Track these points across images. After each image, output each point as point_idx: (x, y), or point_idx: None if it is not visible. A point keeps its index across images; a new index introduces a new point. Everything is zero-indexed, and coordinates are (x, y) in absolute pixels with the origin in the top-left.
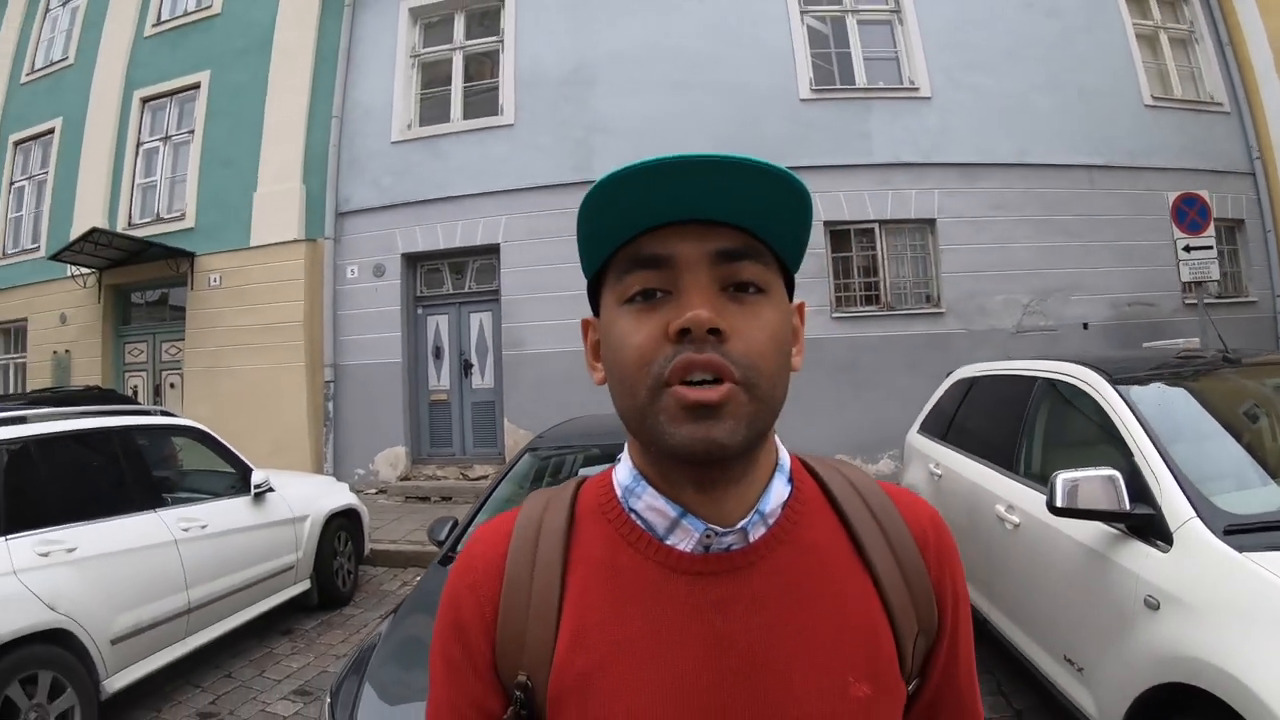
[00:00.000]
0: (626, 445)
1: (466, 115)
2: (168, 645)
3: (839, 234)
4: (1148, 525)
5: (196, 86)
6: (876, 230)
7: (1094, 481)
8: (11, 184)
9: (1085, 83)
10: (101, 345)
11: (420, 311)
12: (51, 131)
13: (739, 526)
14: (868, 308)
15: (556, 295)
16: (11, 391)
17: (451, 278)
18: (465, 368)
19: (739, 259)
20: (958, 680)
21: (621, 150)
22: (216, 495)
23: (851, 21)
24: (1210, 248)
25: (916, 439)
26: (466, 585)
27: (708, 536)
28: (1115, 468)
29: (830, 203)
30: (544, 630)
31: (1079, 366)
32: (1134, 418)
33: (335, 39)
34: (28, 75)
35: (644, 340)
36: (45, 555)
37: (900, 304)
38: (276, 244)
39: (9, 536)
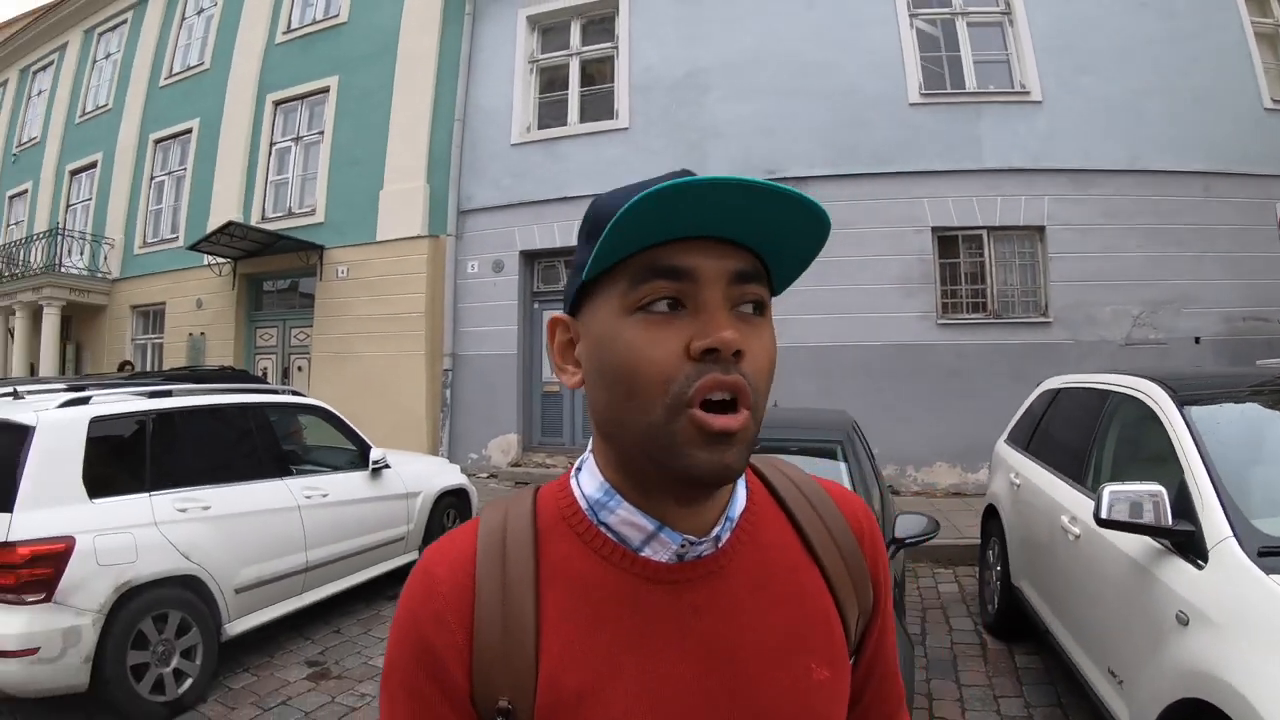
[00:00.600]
0: (590, 455)
1: (583, 119)
2: (285, 599)
3: (946, 240)
4: (1188, 542)
5: (326, 90)
6: (984, 237)
7: (1139, 495)
8: (152, 179)
9: (1200, 85)
10: (234, 329)
11: (536, 306)
12: (189, 131)
13: (714, 534)
14: (974, 315)
15: None
16: (149, 369)
17: (567, 274)
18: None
19: (750, 280)
20: (886, 651)
21: (733, 153)
22: (337, 468)
23: (961, 24)
24: None
25: (1002, 448)
26: (430, 611)
27: (682, 547)
28: (1168, 484)
29: (938, 208)
30: (523, 651)
31: (1147, 382)
32: (1189, 435)
33: (457, 45)
34: (166, 79)
35: (663, 356)
36: (183, 511)
37: (1007, 312)
38: (401, 239)
39: (153, 493)
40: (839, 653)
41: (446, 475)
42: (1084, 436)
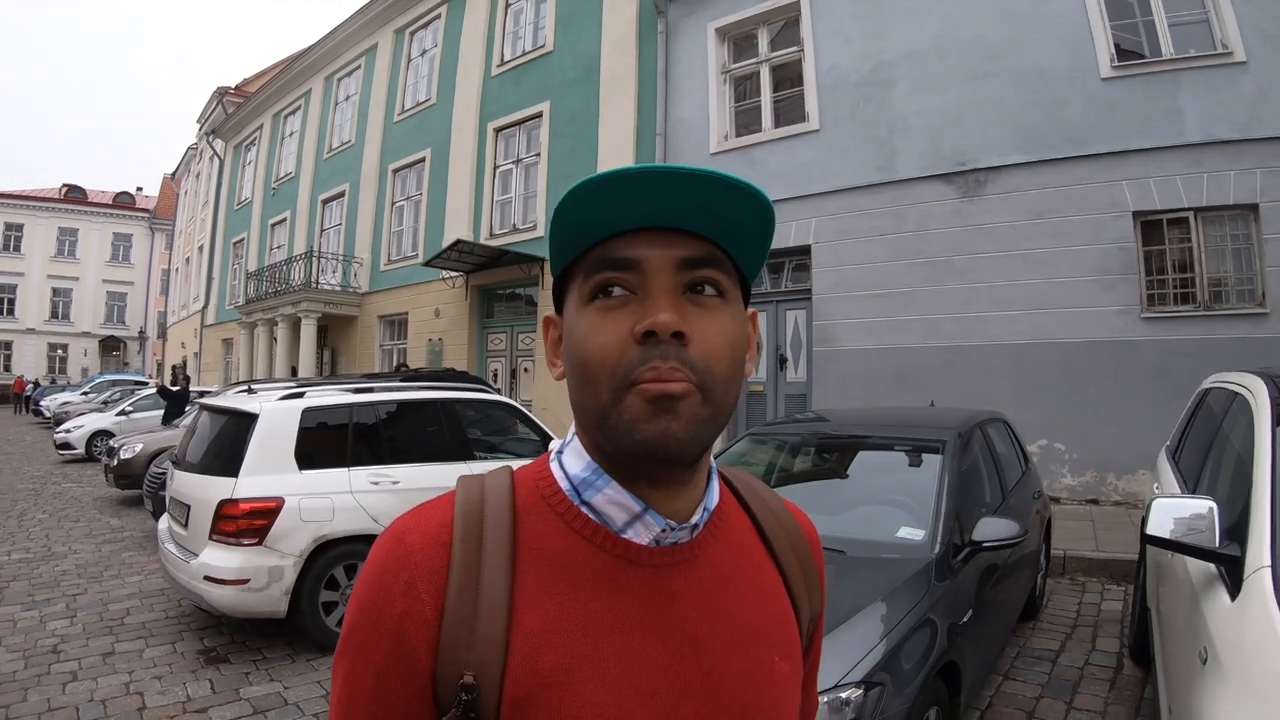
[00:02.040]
0: (574, 438)
1: (776, 124)
2: None
3: (1149, 225)
4: (1232, 569)
5: (539, 115)
6: (1191, 219)
7: (1189, 512)
8: (393, 204)
9: None
10: (467, 335)
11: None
12: (422, 160)
13: (692, 522)
14: (1182, 307)
15: (865, 294)
16: (387, 370)
17: (769, 277)
18: (780, 362)
19: (702, 266)
20: (815, 658)
21: (923, 146)
22: (521, 456)
23: None
24: None
25: (1161, 456)
26: (402, 580)
27: (664, 531)
28: (1238, 501)
29: (1139, 190)
30: (495, 626)
31: (1255, 379)
32: (1269, 444)
33: (653, 63)
34: (399, 115)
35: (608, 340)
36: (375, 484)
37: (1219, 302)
38: None
39: (351, 468)
40: (795, 649)
41: None
42: (1206, 442)
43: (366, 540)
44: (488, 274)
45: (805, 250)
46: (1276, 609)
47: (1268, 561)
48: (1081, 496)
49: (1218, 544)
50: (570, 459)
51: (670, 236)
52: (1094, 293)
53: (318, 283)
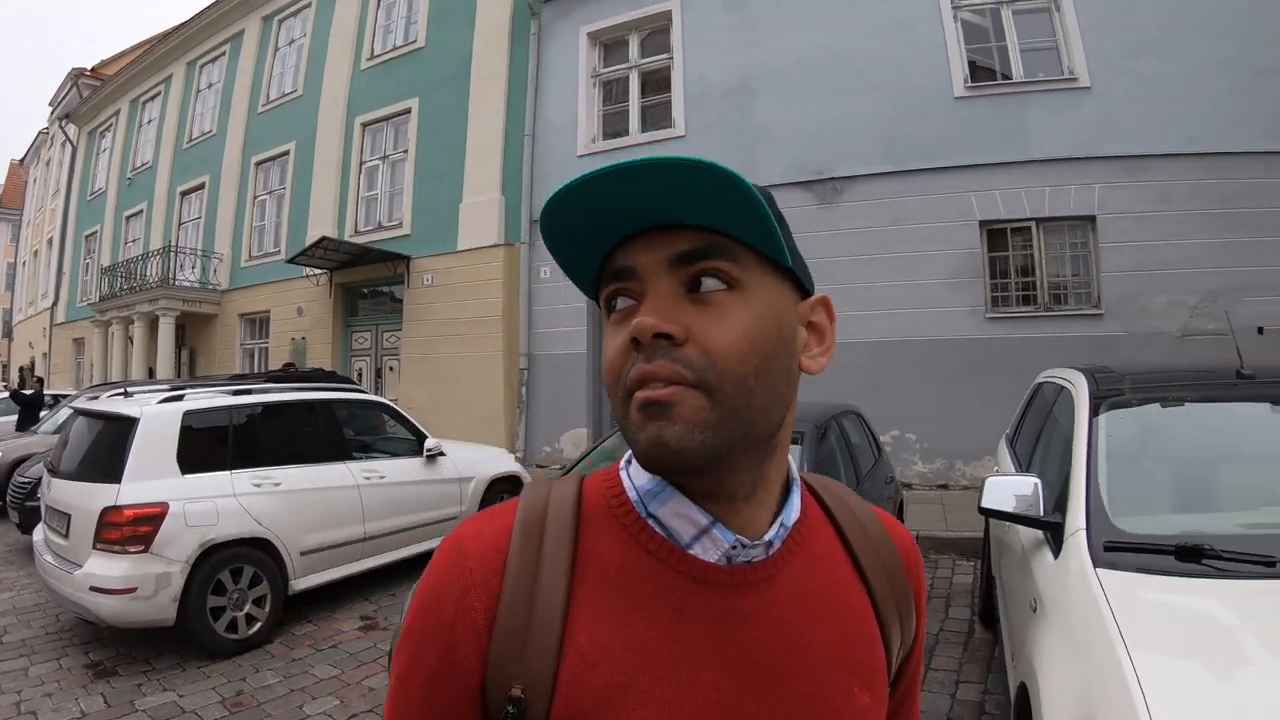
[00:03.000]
0: None
1: (643, 129)
2: (345, 563)
3: (995, 233)
4: (1056, 534)
5: (408, 111)
6: (1033, 229)
7: (1016, 487)
8: (255, 198)
9: (1265, 60)
10: (331, 334)
11: None
12: (286, 153)
13: (766, 539)
14: (1024, 308)
15: None
16: (255, 371)
17: None
18: None
19: (703, 258)
20: (916, 689)
21: (783, 156)
22: (397, 455)
23: (1007, 12)
24: None
25: (1001, 444)
26: (457, 586)
27: (734, 548)
28: (1062, 478)
29: (985, 201)
30: (547, 639)
31: (1077, 374)
32: (1084, 430)
33: (524, 64)
34: (264, 106)
35: (613, 353)
36: (258, 486)
37: (1058, 304)
38: (479, 248)
39: (233, 471)
40: (880, 679)
41: (500, 463)
42: (1038, 430)
43: (251, 544)
44: (352, 271)
45: None
46: (1089, 562)
47: (1082, 525)
48: (932, 482)
49: (1043, 513)
50: (637, 469)
51: (665, 235)
52: (944, 294)
53: (175, 279)
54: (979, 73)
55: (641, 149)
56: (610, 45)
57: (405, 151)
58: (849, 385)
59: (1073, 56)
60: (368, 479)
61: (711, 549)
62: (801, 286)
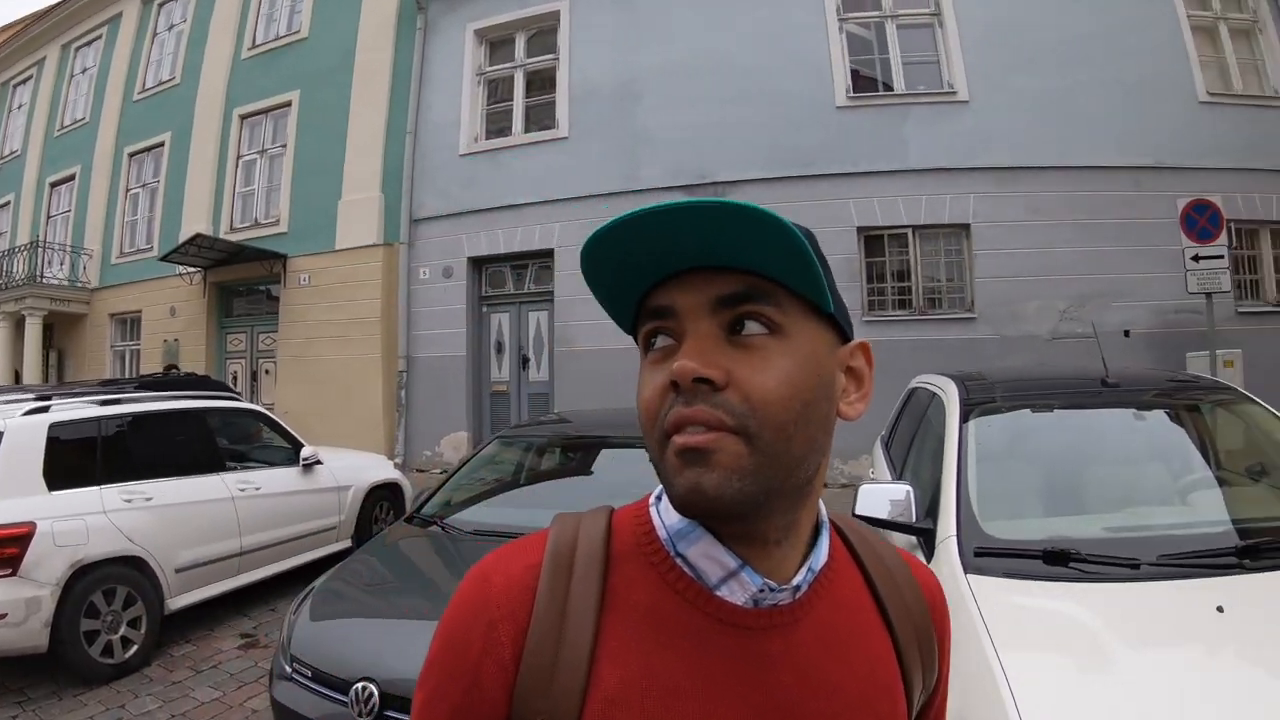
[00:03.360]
0: None
1: (527, 129)
2: (222, 579)
3: (872, 239)
4: (928, 539)
5: (289, 104)
6: (909, 235)
7: (890, 493)
8: (128, 191)
9: (1134, 80)
10: (206, 335)
11: (484, 310)
12: (162, 145)
13: (794, 583)
14: (899, 311)
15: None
16: (126, 375)
17: (512, 279)
18: (523, 362)
19: (746, 301)
20: None
21: (665, 160)
22: (272, 465)
23: (891, 26)
24: (1221, 257)
25: (876, 446)
26: (482, 624)
27: (761, 591)
28: (934, 484)
29: (863, 209)
30: (573, 678)
31: (949, 381)
32: (955, 438)
33: (409, 60)
34: (139, 94)
35: (651, 393)
36: (128, 501)
37: (933, 308)
38: (358, 247)
39: (103, 486)
40: None
41: (378, 470)
42: (911, 434)
43: (124, 562)
44: (227, 270)
45: (549, 253)
46: (959, 567)
47: (953, 531)
48: None
49: (915, 520)
50: (667, 507)
51: (707, 276)
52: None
53: (43, 277)
54: (861, 83)
55: (525, 149)
56: (496, 43)
57: (284, 146)
58: None
59: (953, 71)
60: (242, 490)
61: (739, 591)
62: (841, 331)
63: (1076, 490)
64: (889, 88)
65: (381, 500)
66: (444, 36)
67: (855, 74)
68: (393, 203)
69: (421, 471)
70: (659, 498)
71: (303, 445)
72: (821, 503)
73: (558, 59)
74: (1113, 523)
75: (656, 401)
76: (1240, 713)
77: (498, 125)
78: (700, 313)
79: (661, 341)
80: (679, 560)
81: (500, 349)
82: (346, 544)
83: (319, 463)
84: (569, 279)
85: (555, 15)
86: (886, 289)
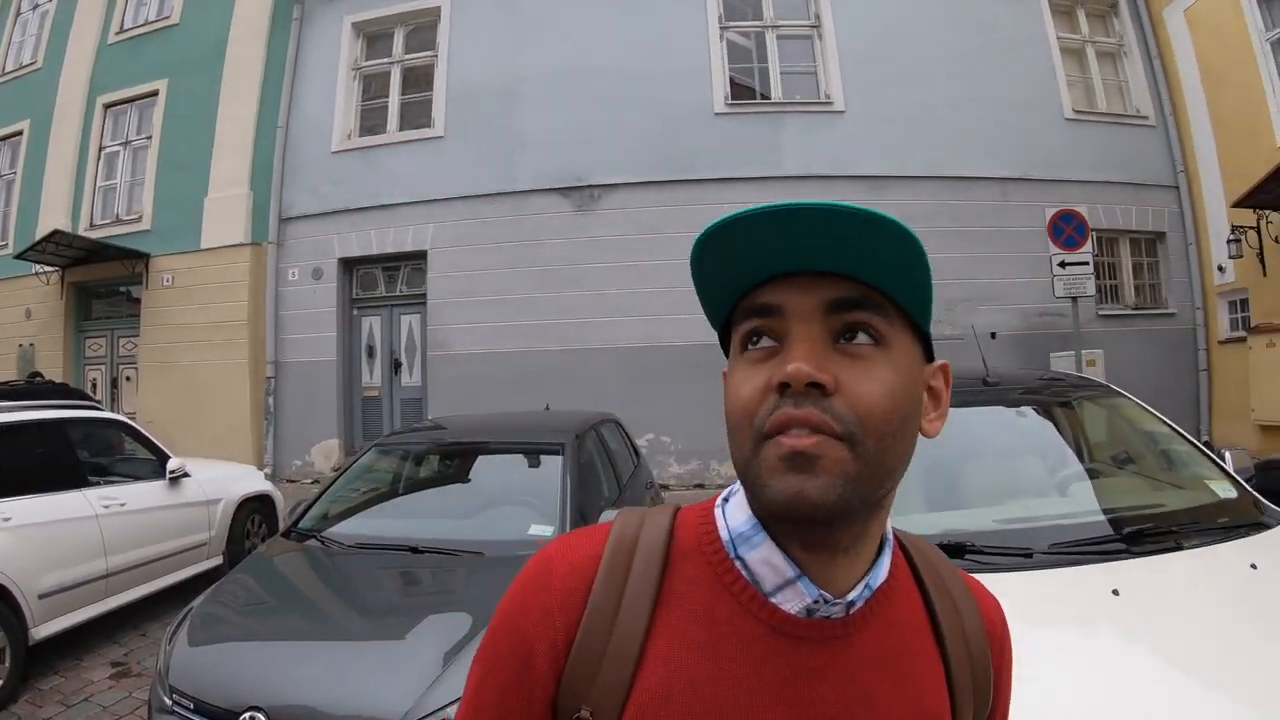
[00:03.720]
0: (738, 485)
1: (402, 127)
2: (89, 603)
3: None
4: None
5: (155, 94)
6: None
7: None
8: None
9: (1004, 96)
10: (63, 339)
11: (355, 313)
12: (20, 133)
13: (849, 598)
14: None
15: (481, 300)
16: None
17: (384, 281)
18: (395, 366)
19: (855, 309)
20: None
21: (544, 161)
22: (138, 479)
23: (771, 36)
24: (1086, 264)
25: None
26: (540, 607)
27: (816, 603)
28: None
29: None
30: (621, 670)
31: None
32: None
33: (284, 51)
34: None
35: (750, 392)
36: None
37: None
38: (224, 247)
39: None
40: None
41: (249, 481)
42: None
43: None
44: (87, 270)
45: (422, 255)
46: None
47: None
48: (688, 482)
49: None
50: (734, 509)
51: (818, 280)
52: (695, 302)
53: None
54: (740, 91)
55: (399, 147)
56: (374, 38)
57: (149, 138)
58: (604, 392)
59: (830, 82)
60: (107, 507)
61: (794, 600)
62: (929, 350)
63: (962, 486)
64: (767, 96)
65: (253, 514)
66: (320, 28)
67: (734, 82)
68: (261, 200)
69: (292, 482)
70: (726, 499)
71: (169, 457)
72: (890, 521)
73: (436, 56)
74: (1000, 515)
75: (756, 401)
76: (1147, 683)
77: (372, 122)
78: (811, 316)
79: (764, 342)
80: (738, 563)
81: (372, 353)
82: (217, 561)
83: (186, 475)
84: (442, 281)
85: (436, 11)
86: None
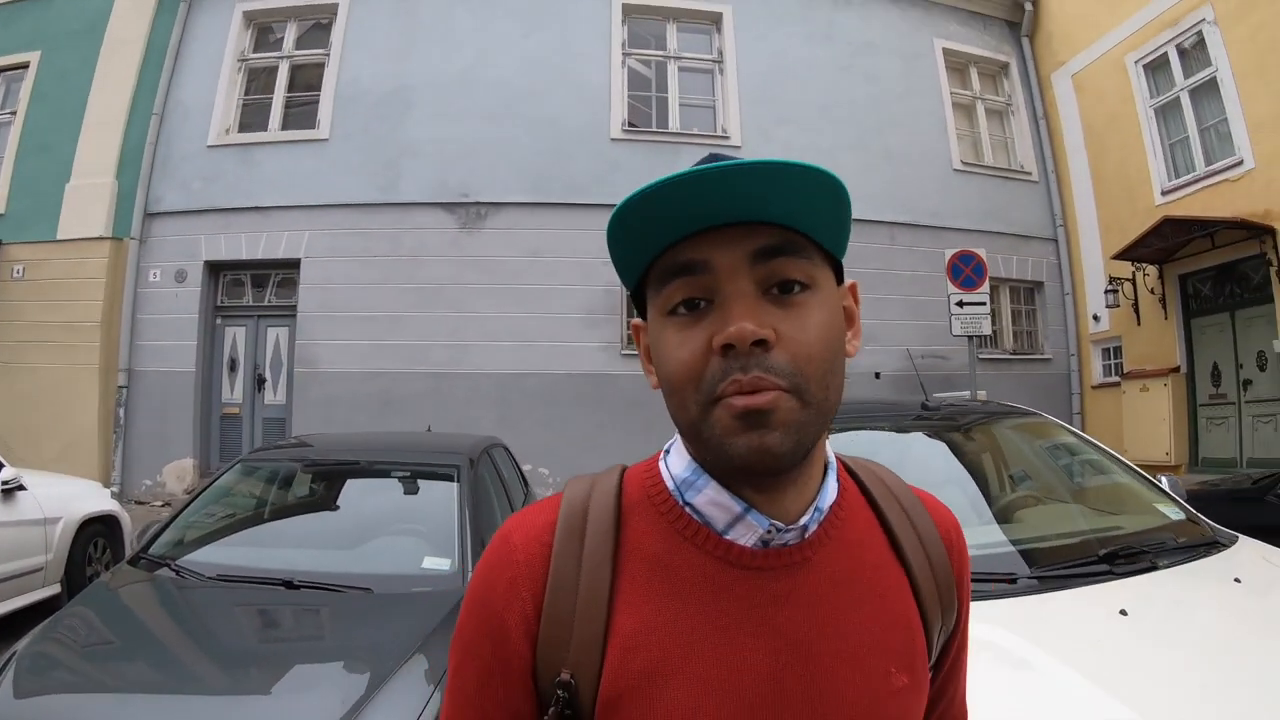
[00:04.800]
0: (677, 437)
1: (284, 126)
2: None
3: None
4: None
5: (25, 66)
6: None
7: None
8: None
9: (896, 144)
10: None
11: (219, 321)
12: None
13: (800, 524)
14: None
15: (353, 315)
16: None
17: (252, 289)
18: (259, 382)
19: (779, 255)
20: (960, 671)
21: (430, 174)
22: None
23: (673, 67)
24: (984, 304)
25: None
26: (505, 580)
27: (769, 533)
28: None
29: None
30: (592, 628)
31: None
32: None
33: (167, 33)
34: None
35: (689, 355)
36: None
37: None
38: (83, 239)
39: None
40: (919, 661)
41: (93, 500)
42: None
43: None
44: None
45: (294, 264)
46: None
47: None
48: None
49: None
50: (674, 458)
51: (741, 230)
52: (579, 330)
53: None
54: (637, 117)
55: (279, 147)
56: (265, 29)
57: (13, 113)
58: (477, 418)
59: (728, 117)
60: None
61: (747, 534)
62: (839, 274)
63: None
64: (665, 126)
65: (96, 536)
66: (209, 13)
67: (631, 108)
68: (127, 192)
69: (141, 504)
70: (667, 452)
71: (2, 465)
72: (828, 444)
73: (328, 55)
74: (974, 539)
75: (699, 364)
76: (1211, 699)
77: (253, 119)
78: (741, 269)
79: (694, 302)
80: (687, 509)
81: (234, 366)
82: (55, 589)
83: (22, 488)
84: (314, 293)
85: (333, 9)
86: None
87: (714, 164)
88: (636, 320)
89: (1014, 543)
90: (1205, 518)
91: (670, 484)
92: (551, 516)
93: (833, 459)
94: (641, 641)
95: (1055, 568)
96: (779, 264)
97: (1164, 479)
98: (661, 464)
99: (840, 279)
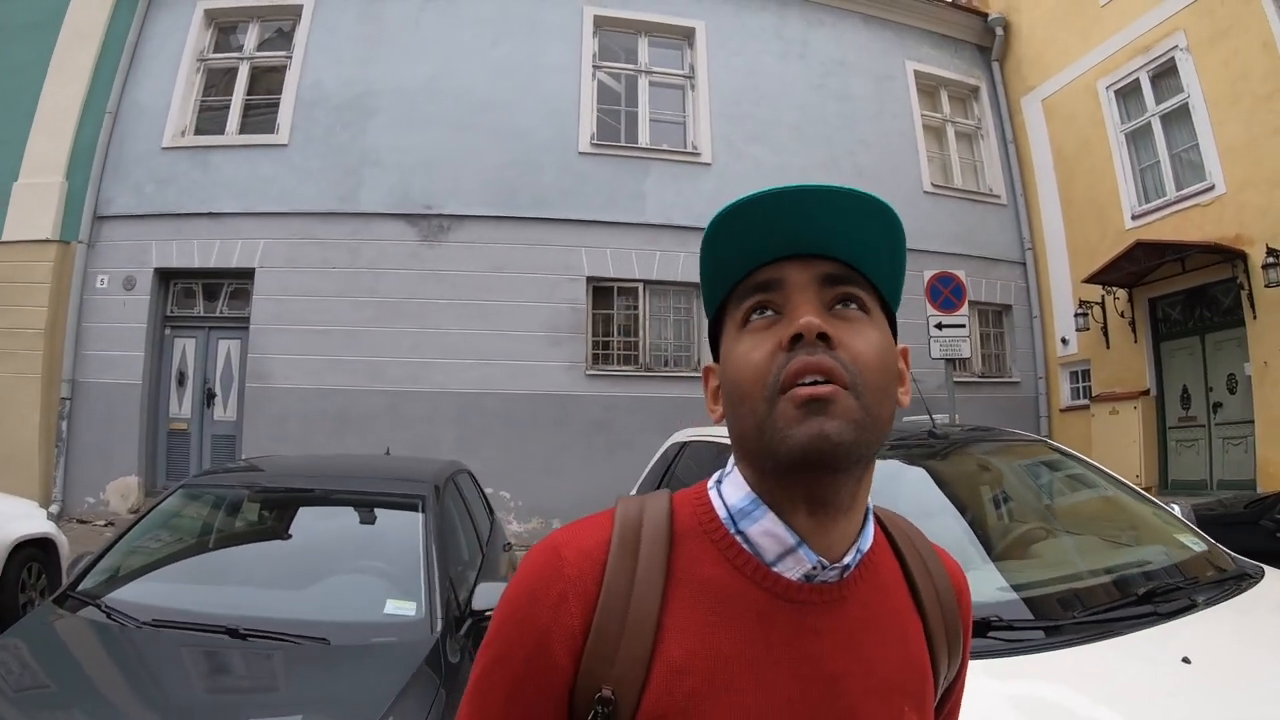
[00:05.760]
0: (734, 469)
1: (243, 129)
2: None
3: (601, 290)
4: None
5: None
6: (640, 290)
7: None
8: None
9: (866, 164)
10: None
11: (168, 332)
12: None
13: (844, 562)
14: (625, 367)
15: (309, 328)
16: None
17: (203, 299)
18: (208, 397)
19: (841, 282)
20: (957, 712)
21: (392, 183)
22: None
23: (644, 82)
24: (962, 326)
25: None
26: (554, 594)
27: (814, 568)
28: None
29: (595, 258)
30: (640, 647)
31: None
32: None
33: (125, 29)
34: None
35: (760, 357)
36: None
37: (660, 366)
38: (29, 241)
39: None
40: (928, 705)
41: (26, 520)
42: None
43: None
44: None
45: (248, 274)
46: None
47: None
48: (529, 542)
49: None
50: (729, 488)
51: (810, 260)
52: (543, 348)
53: None
54: (606, 132)
55: (237, 151)
56: (226, 29)
57: None
58: (436, 438)
59: (699, 134)
60: None
61: (794, 568)
62: (894, 333)
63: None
64: (634, 141)
65: (30, 560)
66: (170, 10)
67: (600, 122)
68: (77, 192)
69: (83, 522)
70: (719, 480)
71: None
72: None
73: (290, 58)
74: (1014, 579)
75: (767, 362)
76: None
77: (210, 121)
78: (809, 285)
79: (768, 314)
80: (739, 538)
81: (183, 380)
82: None
83: None
84: (269, 304)
85: (297, 11)
86: (613, 343)
87: (786, 186)
88: (709, 364)
89: (1050, 583)
90: (1224, 547)
91: (722, 512)
92: (605, 534)
93: (871, 506)
94: (689, 665)
95: (1097, 611)
96: (842, 290)
97: (1175, 507)
98: (712, 492)
99: (896, 337)
